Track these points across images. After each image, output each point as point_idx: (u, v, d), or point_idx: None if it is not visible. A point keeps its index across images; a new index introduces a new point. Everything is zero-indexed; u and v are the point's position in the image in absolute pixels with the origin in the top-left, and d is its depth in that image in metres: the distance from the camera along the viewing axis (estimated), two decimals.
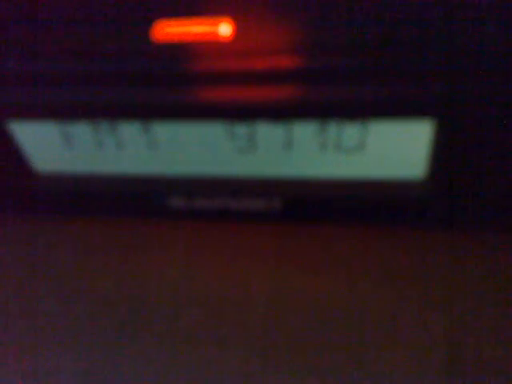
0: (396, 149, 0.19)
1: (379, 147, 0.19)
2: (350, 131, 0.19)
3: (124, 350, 0.20)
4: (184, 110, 0.19)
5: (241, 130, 0.19)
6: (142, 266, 0.22)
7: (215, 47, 0.17)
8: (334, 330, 0.19)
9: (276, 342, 0.19)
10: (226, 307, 0.20)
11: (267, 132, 0.19)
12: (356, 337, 0.19)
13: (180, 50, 0.18)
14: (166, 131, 0.20)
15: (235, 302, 0.21)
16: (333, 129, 0.19)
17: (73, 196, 0.23)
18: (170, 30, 0.18)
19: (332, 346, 0.19)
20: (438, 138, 0.18)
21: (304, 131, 0.19)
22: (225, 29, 0.17)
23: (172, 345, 0.20)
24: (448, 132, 0.18)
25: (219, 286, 0.21)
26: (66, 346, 0.20)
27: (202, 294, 0.21)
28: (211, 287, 0.21)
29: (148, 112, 0.19)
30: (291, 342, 0.19)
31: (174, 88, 0.18)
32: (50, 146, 0.21)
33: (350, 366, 0.18)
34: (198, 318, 0.20)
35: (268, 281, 0.21)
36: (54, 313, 0.21)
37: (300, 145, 0.19)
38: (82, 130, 0.20)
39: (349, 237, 0.22)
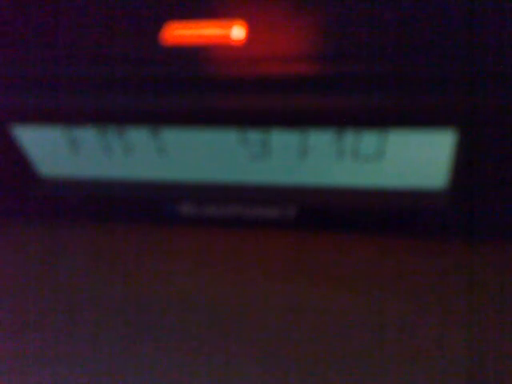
0: (416, 158, 0.18)
1: (399, 156, 0.18)
2: (369, 139, 0.18)
3: (130, 358, 0.19)
4: (194, 115, 0.18)
5: (254, 136, 0.19)
6: (151, 274, 0.22)
7: (227, 51, 0.17)
8: (350, 345, 0.19)
9: (287, 356, 0.19)
10: (236, 318, 0.20)
11: (282, 139, 0.19)
12: (373, 351, 0.19)
13: (190, 54, 0.17)
14: (176, 137, 0.19)
15: (246, 312, 0.20)
16: (350, 136, 0.18)
17: (80, 201, 0.22)
18: (180, 32, 0.17)
19: (347, 361, 0.18)
20: (459, 148, 0.17)
21: (320, 138, 0.18)
22: (237, 32, 0.17)
23: (179, 355, 0.19)
24: (470, 142, 0.17)
25: (229, 296, 0.21)
26: (71, 353, 0.20)
27: (211, 304, 0.21)
28: (221, 297, 0.21)
29: (157, 117, 0.18)
30: (304, 356, 0.19)
31: (183, 93, 0.17)
32: (57, 151, 0.21)
33: (368, 383, 0.18)
34: (206, 329, 0.20)
35: (281, 291, 0.21)
36: (60, 320, 0.21)
37: (316, 152, 0.19)
38: (88, 135, 0.20)
39: (366, 247, 0.21)
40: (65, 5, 0.18)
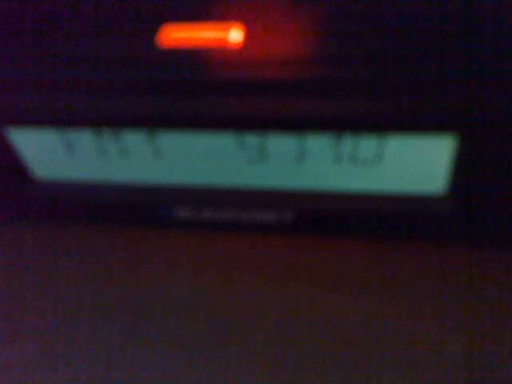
0: (415, 163, 0.18)
1: (398, 160, 0.18)
2: (367, 143, 0.18)
3: (126, 364, 0.19)
4: (191, 119, 0.18)
5: (251, 140, 0.18)
6: (146, 279, 0.22)
7: (224, 54, 0.17)
8: (347, 350, 0.19)
9: (284, 361, 0.19)
10: (232, 322, 0.20)
11: (279, 143, 0.18)
12: (371, 358, 0.18)
13: (187, 57, 0.17)
14: (172, 140, 0.19)
15: (242, 317, 0.20)
16: (348, 141, 0.18)
17: (75, 204, 0.22)
18: (176, 35, 0.17)
19: (344, 366, 0.18)
20: (459, 153, 0.17)
21: (318, 142, 0.18)
22: (235, 35, 0.17)
23: (175, 360, 0.19)
24: (470, 146, 0.17)
25: (226, 300, 0.21)
26: (66, 359, 0.20)
27: (207, 309, 0.20)
28: (218, 300, 0.21)
29: (153, 121, 0.18)
30: (300, 361, 0.19)
31: (180, 96, 0.17)
32: (52, 154, 0.21)
33: None
34: (203, 334, 0.20)
35: (278, 296, 0.20)
36: (55, 325, 0.21)
37: (314, 156, 0.19)
38: (84, 138, 0.20)
39: (364, 252, 0.21)
40: (61, 7, 0.18)
